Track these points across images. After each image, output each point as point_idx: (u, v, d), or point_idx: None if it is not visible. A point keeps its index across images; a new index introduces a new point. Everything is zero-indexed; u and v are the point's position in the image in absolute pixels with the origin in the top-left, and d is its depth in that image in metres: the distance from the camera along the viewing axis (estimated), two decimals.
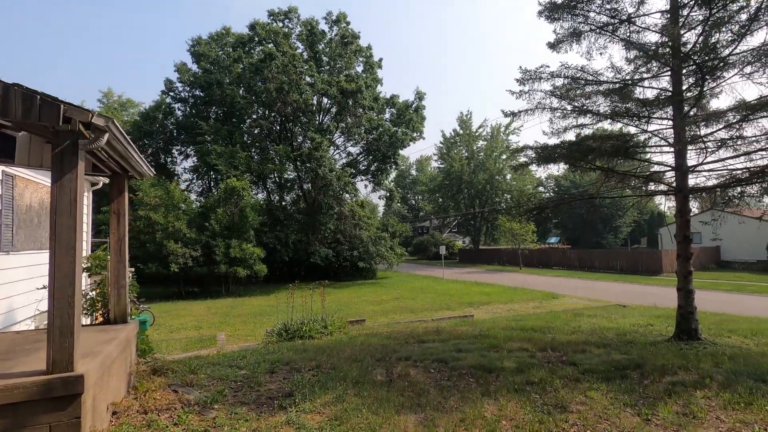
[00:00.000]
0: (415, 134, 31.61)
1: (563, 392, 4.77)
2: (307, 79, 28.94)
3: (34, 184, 6.51)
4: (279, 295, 23.18)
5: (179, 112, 35.72)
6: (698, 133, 8.01)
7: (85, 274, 5.19)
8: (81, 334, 3.40)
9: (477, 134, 49.15)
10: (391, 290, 24.36)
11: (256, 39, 30.13)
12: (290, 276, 31.89)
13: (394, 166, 32.28)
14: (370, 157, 32.92)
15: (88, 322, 5.20)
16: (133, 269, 15.67)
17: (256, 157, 31.15)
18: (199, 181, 37.36)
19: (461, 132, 49.77)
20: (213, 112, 34.07)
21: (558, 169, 11.50)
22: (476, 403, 4.46)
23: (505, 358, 6.45)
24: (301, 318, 10.44)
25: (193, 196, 35.07)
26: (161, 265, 22.61)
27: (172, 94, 34.49)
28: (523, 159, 9.26)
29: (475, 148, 48.92)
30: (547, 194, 51.76)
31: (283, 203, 35.12)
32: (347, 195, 31.90)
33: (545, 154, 9.04)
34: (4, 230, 5.58)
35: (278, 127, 32.96)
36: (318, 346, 7.89)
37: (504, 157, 47.37)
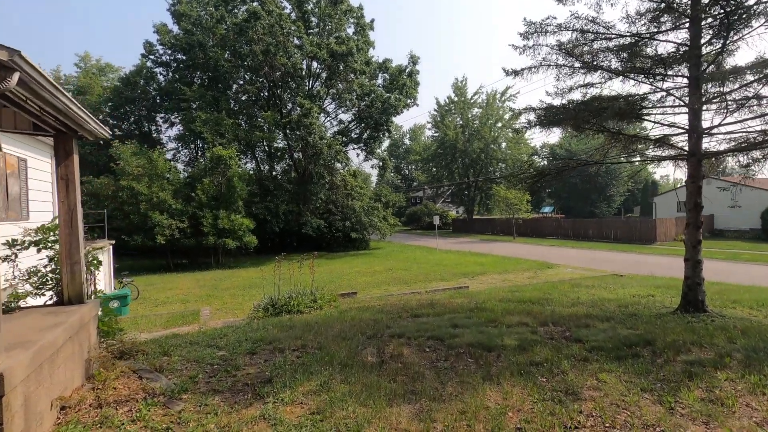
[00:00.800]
0: (408, 100, 30.47)
1: (572, 375, 4.32)
2: (295, 41, 27.42)
3: None
4: (269, 266, 22.62)
5: (161, 77, 34.07)
6: (720, 90, 7.34)
7: (33, 249, 4.54)
8: (6, 321, 2.78)
9: (472, 101, 47.84)
10: (384, 261, 24.01)
11: None
12: (282, 247, 31.37)
13: (387, 134, 31.27)
14: (363, 125, 31.83)
15: (39, 303, 4.59)
16: (113, 241, 15.03)
17: (243, 125, 29.95)
18: (186, 150, 36.18)
19: (456, 99, 48.40)
20: (198, 78, 32.47)
21: (561, 133, 10.84)
22: (477, 389, 4.00)
23: (505, 335, 6.00)
24: (289, 291, 9.95)
25: (180, 166, 34.00)
26: (147, 236, 21.94)
27: (152, 57, 32.74)
28: (524, 122, 8.56)
29: (469, 116, 47.72)
30: (543, 163, 51.09)
31: (274, 173, 34.18)
32: (339, 164, 31.03)
33: (549, 116, 8.35)
34: None
35: (266, 93, 31.55)
36: (306, 322, 7.41)
37: (499, 125, 46.33)
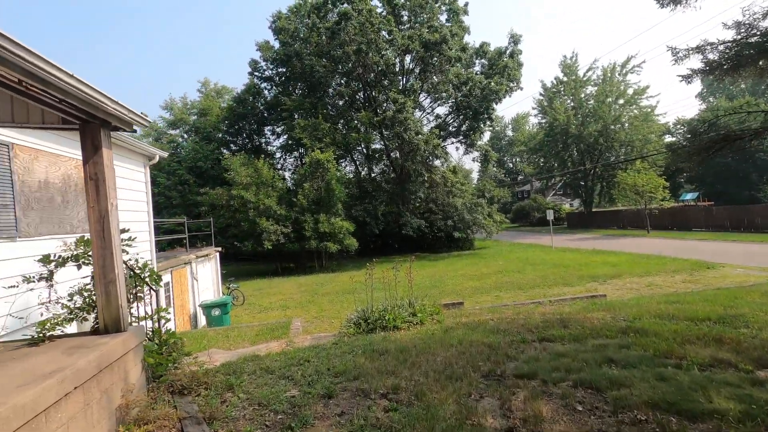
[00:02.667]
0: (511, 84, 27.56)
1: None
2: (386, 35, 26.55)
3: (50, 155, 5.44)
4: (372, 268, 22.05)
5: (266, 92, 36.12)
6: None
7: (72, 265, 3.81)
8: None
9: (585, 79, 42.24)
10: (492, 262, 21.68)
11: (330, 1, 28.36)
12: (382, 249, 30.88)
13: (488, 123, 28.70)
14: (461, 116, 29.76)
15: (80, 331, 3.84)
16: (219, 248, 15.47)
17: (340, 128, 30.08)
18: (291, 159, 37.91)
19: (565, 79, 43.23)
20: (299, 88, 33.71)
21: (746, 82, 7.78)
22: None
23: (706, 386, 3.81)
24: (385, 301, 8.65)
25: (287, 175, 35.68)
26: (256, 242, 22.87)
27: (257, 74, 34.84)
28: (697, 67, 6.00)
29: (582, 96, 42.20)
30: (679, 142, 42.89)
31: (372, 175, 33.92)
32: (437, 161, 29.42)
33: (738, 54, 5.70)
34: None
35: (361, 95, 31.40)
36: (401, 346, 5.97)
37: (621, 102, 40.09)
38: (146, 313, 4.64)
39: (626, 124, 39.69)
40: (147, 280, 4.55)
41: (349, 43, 25.27)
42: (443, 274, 18.87)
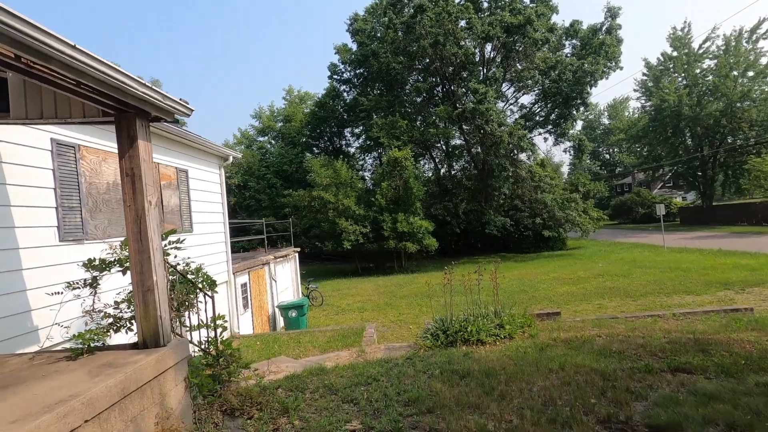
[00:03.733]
0: (609, 63, 24.48)
1: None
2: (464, 24, 25.17)
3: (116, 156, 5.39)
4: (453, 271, 20.94)
5: (345, 94, 36.67)
6: None
7: (117, 270, 3.50)
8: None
9: (701, 52, 36.38)
10: (590, 264, 19.27)
11: None
12: (464, 249, 29.47)
13: (581, 108, 25.85)
14: (549, 104, 27.24)
15: (120, 342, 3.51)
16: (298, 249, 15.58)
17: (418, 125, 29.32)
18: (369, 159, 38.11)
19: (675, 54, 37.65)
20: (376, 88, 33.65)
21: None
22: None
23: None
24: (466, 309, 7.67)
25: (367, 175, 35.88)
26: (336, 243, 23.03)
27: (336, 77, 35.48)
28: None
29: (698, 71, 36.37)
30: None
31: (452, 172, 32.66)
32: (523, 154, 27.25)
33: None
34: (63, 214, 4.43)
35: (439, 89, 30.33)
36: (487, 369, 4.99)
37: (750, 74, 33.80)
38: (200, 321, 4.27)
39: (757, 101, 33.31)
40: (200, 285, 4.17)
41: (425, 36, 24.37)
42: (532, 277, 17.12)
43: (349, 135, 39.77)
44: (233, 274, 8.75)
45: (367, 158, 38.38)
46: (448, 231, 26.22)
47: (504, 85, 28.54)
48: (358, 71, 33.95)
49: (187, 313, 3.98)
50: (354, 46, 33.52)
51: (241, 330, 9.01)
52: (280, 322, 11.44)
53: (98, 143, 5.03)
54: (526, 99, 30.12)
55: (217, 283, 4.40)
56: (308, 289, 15.06)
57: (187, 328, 3.97)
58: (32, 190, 4.13)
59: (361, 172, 34.48)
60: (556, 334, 6.85)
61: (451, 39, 24.34)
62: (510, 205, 27.33)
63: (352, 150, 39.75)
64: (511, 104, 30.49)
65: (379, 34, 31.13)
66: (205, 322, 4.35)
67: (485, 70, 27.87)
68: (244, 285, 9.51)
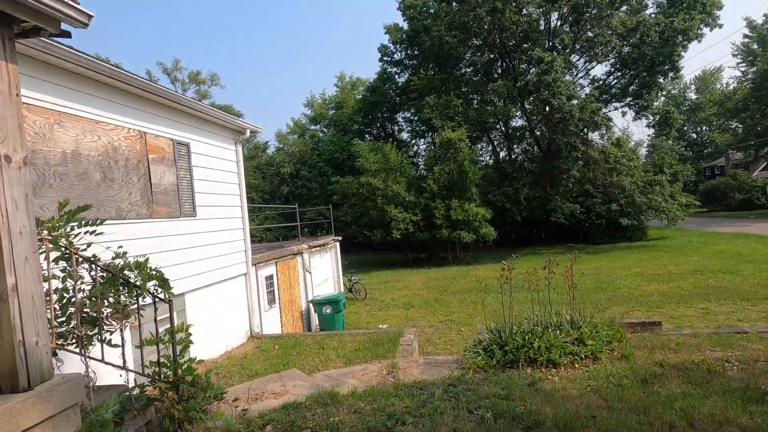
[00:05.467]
0: (707, 18, 20.57)
1: None
2: None
3: (83, 120, 4.32)
4: (504, 262, 18.81)
5: (397, 77, 35.04)
6: None
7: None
8: None
9: None
10: (681, 257, 16.26)
11: None
12: (526, 239, 26.93)
13: (670, 74, 22.13)
14: (628, 73, 23.73)
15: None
16: (339, 237, 14.38)
17: (474, 105, 27.04)
18: (422, 144, 36.36)
19: None
20: (429, 68, 31.66)
21: None
22: None
23: None
24: (531, 315, 5.94)
25: (418, 161, 34.19)
26: (385, 231, 21.74)
27: (387, 59, 33.93)
28: None
29: None
30: None
31: (513, 156, 29.99)
32: (595, 133, 24.12)
33: None
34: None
35: (498, 65, 27.74)
36: (566, 415, 3.33)
37: None
38: (151, 335, 3.03)
39: None
40: (140, 284, 2.92)
41: (482, 4, 21.99)
42: (609, 272, 14.65)
43: (401, 120, 38.19)
44: (254, 265, 7.67)
45: (419, 143, 36.67)
46: (508, 219, 23.90)
47: (572, 56, 25.36)
48: (409, 51, 32.13)
49: (119, 326, 2.75)
50: (405, 25, 31.70)
51: (265, 329, 7.95)
52: (316, 319, 10.33)
53: (48, 100, 3.98)
54: (599, 70, 26.69)
55: (166, 280, 3.13)
56: (350, 281, 13.88)
57: (119, 347, 2.73)
58: None
59: (413, 159, 32.84)
60: (662, 356, 4.94)
61: (510, 5, 21.77)
62: (579, 190, 24.34)
63: (405, 136, 38.18)
64: (581, 77, 27.14)
65: (431, 9, 29.05)
66: (155, 336, 3.12)
67: (551, 41, 24.84)
68: (269, 278, 8.45)
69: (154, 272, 3.07)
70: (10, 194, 2.05)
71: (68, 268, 2.56)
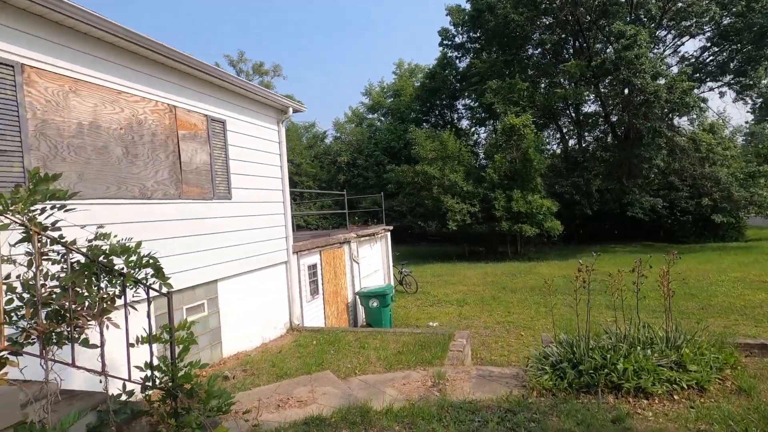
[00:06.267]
0: None
1: None
2: None
3: (105, 90, 3.96)
4: (578, 261, 17.07)
5: (458, 61, 33.51)
6: None
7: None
8: None
9: None
10: None
11: None
12: (597, 235, 24.65)
13: None
14: (729, 47, 20.53)
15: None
16: (390, 227, 13.70)
17: (541, 88, 25.02)
18: (482, 132, 34.67)
19: None
20: (492, 51, 29.82)
21: None
22: None
23: None
24: (610, 326, 4.88)
25: (479, 151, 32.59)
26: (440, 222, 20.80)
27: (447, 42, 32.48)
28: None
29: None
30: None
31: (583, 144, 27.48)
32: (684, 118, 21.22)
33: None
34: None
35: (570, 45, 25.40)
36: None
37: None
38: (146, 335, 2.54)
39: None
40: (125, 273, 2.41)
41: None
42: (700, 276, 12.66)
43: (460, 107, 36.63)
44: (295, 253, 7.22)
45: (479, 131, 34.99)
46: (577, 213, 21.91)
47: (659, 31, 22.44)
48: (471, 34, 30.45)
49: (96, 323, 2.25)
50: (468, 6, 30.03)
51: (307, 321, 7.51)
52: (362, 312, 9.79)
53: (62, 66, 3.65)
54: (690, 46, 23.34)
55: (160, 269, 2.60)
56: (401, 273, 13.21)
57: (97, 348, 2.24)
58: None
59: (472, 147, 31.29)
60: None
61: None
62: (662, 182, 21.68)
63: (464, 124, 36.61)
64: (669, 54, 24.02)
65: None
66: (146, 336, 2.61)
67: (633, 14, 22.13)
68: (312, 267, 7.98)
69: (147, 259, 2.56)
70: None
71: (31, 250, 2.10)
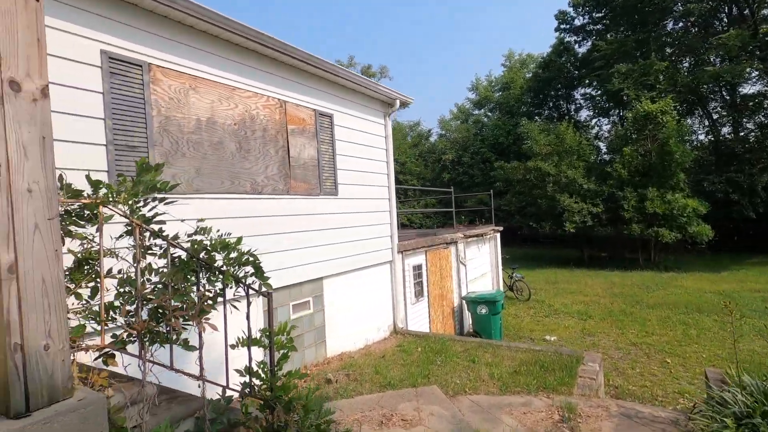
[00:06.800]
0: None
1: None
2: None
3: (212, 84, 4.02)
4: (738, 275, 13.96)
5: (576, 46, 30.37)
6: None
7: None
8: None
9: None
10: None
11: None
12: (759, 243, 20.08)
13: None
14: None
15: None
16: (500, 228, 12.68)
17: (683, 69, 21.30)
18: (605, 124, 30.94)
19: None
20: (620, 31, 26.34)
21: None
22: None
23: None
24: None
25: (601, 145, 29.14)
26: (555, 223, 18.95)
27: (564, 26, 29.65)
28: None
29: None
30: None
31: (741, 132, 22.68)
32: None
33: None
34: (117, 155, 3.24)
35: (725, 9, 21.16)
36: None
37: None
38: (248, 336, 2.36)
39: None
40: (225, 271, 2.23)
41: None
42: None
43: (579, 97, 33.16)
44: (400, 253, 6.90)
45: (601, 123, 31.29)
46: (734, 214, 18.14)
47: None
48: (594, 14, 27.28)
49: (194, 324, 2.10)
50: None
51: (411, 324, 7.15)
52: (469, 318, 9.14)
53: (183, 64, 3.77)
54: None
55: (260, 267, 2.38)
56: (511, 278, 12.16)
57: (196, 350, 2.10)
58: (70, 119, 3.02)
59: (593, 141, 28.05)
60: None
61: None
62: None
63: (584, 115, 33.07)
64: None
65: None
66: (257, 338, 2.43)
67: None
68: (417, 267, 7.60)
69: (246, 256, 2.36)
70: (16, 136, 1.44)
71: (133, 245, 2.01)
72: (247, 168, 4.31)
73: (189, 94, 3.81)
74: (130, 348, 1.98)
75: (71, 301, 1.89)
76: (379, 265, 6.44)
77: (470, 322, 8.95)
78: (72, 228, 1.94)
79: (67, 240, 1.94)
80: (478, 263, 10.49)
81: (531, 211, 21.39)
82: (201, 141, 3.89)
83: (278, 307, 4.70)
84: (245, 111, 4.33)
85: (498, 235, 11.91)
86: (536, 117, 34.40)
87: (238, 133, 4.25)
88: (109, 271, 2.08)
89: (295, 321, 4.92)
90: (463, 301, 8.96)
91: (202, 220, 2.30)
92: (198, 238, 2.23)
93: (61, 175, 1.89)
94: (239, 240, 2.39)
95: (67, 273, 1.85)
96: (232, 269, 2.33)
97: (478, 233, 10.25)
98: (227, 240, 2.30)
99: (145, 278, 2.02)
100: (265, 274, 2.43)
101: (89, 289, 2.04)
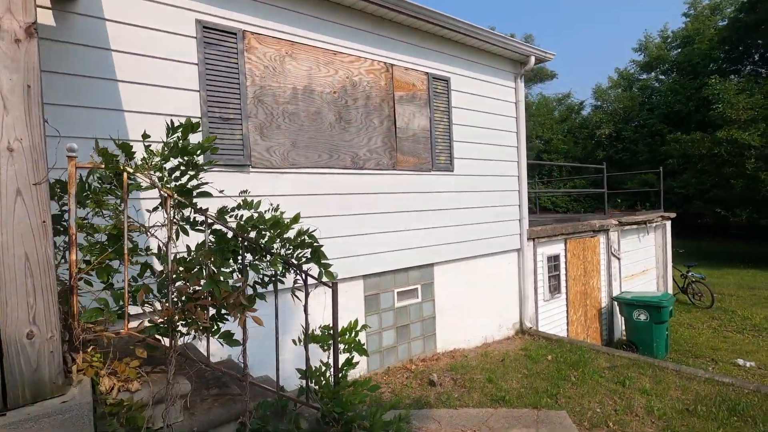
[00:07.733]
0: None
1: None
2: None
3: (312, 49, 3.69)
4: None
5: None
6: None
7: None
8: None
9: None
10: None
11: None
12: None
13: None
14: None
15: None
16: (672, 214, 10.09)
17: None
18: None
19: None
20: None
21: None
22: None
23: None
24: None
25: None
26: (755, 211, 14.66)
27: None
28: None
29: None
30: None
31: None
32: None
33: None
34: (210, 127, 3.15)
35: None
36: None
37: None
38: (305, 332, 1.98)
39: None
40: (275, 254, 1.83)
41: None
42: None
43: None
44: (531, 240, 5.84)
45: None
46: None
47: None
48: None
49: (234, 315, 1.76)
50: None
51: (542, 325, 6.08)
52: (621, 324, 7.52)
53: (278, 29, 3.51)
54: None
55: (318, 250, 1.92)
56: (685, 278, 9.67)
57: (239, 346, 1.77)
58: (167, 93, 3.01)
59: None
60: None
61: None
62: None
63: None
64: None
65: None
66: (315, 332, 2.02)
67: None
68: (553, 258, 6.39)
69: (304, 237, 1.93)
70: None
71: (174, 219, 1.73)
72: (347, 140, 3.94)
73: (285, 61, 3.57)
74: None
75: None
76: (503, 253, 5.54)
77: (623, 330, 7.35)
78: (106, 198, 1.75)
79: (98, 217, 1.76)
80: (638, 257, 8.56)
81: (719, 195, 16.95)
82: (297, 111, 3.63)
83: (380, 293, 4.31)
84: (346, 77, 3.94)
85: (668, 223, 9.55)
86: (732, 75, 27.14)
87: (338, 102, 3.89)
88: (147, 249, 1.86)
89: (400, 310, 4.48)
90: (615, 303, 7.36)
91: (245, 191, 1.93)
92: (243, 213, 1.87)
93: (96, 139, 1.70)
94: (296, 217, 1.96)
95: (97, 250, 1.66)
96: (284, 251, 1.93)
97: (638, 220, 8.30)
98: (278, 216, 1.89)
99: (177, 258, 1.74)
100: (324, 260, 1.96)
101: (133, 268, 1.86)
